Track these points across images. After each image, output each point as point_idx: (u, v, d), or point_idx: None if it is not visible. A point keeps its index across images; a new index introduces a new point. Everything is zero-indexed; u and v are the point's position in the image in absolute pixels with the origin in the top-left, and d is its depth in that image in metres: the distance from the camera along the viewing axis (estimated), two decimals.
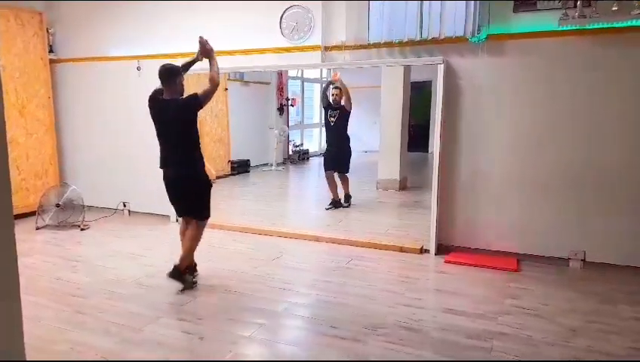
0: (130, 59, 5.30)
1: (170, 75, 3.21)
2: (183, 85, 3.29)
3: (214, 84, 3.23)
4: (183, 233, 3.49)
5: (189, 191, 3.36)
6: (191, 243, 3.39)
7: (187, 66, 3.43)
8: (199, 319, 2.86)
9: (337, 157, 5.86)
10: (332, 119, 5.67)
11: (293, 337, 2.75)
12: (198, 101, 3.21)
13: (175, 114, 3.21)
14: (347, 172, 5.93)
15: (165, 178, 3.36)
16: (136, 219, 5.45)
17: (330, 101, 5.76)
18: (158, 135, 3.31)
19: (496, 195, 3.98)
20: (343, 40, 4.37)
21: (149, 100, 3.30)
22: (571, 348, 2.53)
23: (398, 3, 4.00)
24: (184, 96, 3.27)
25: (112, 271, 3.71)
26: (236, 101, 8.14)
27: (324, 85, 6.06)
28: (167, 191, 3.40)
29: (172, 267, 3.28)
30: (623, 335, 2.69)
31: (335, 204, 5.79)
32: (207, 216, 3.44)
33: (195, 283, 3.40)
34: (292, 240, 4.56)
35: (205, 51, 3.33)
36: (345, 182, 5.94)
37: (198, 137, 3.36)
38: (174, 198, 3.45)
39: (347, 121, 5.81)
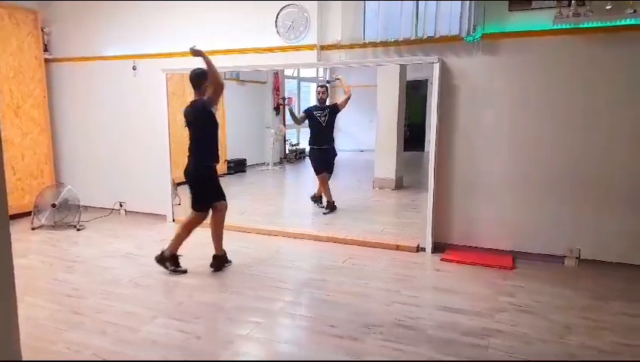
0: (126, 58, 5.29)
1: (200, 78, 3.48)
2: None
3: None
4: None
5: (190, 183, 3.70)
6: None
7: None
8: (196, 318, 2.86)
9: (329, 158, 5.74)
10: (323, 118, 5.55)
11: (289, 336, 2.76)
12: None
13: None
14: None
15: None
16: (133, 219, 5.44)
17: (317, 102, 5.67)
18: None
19: (492, 193, 4.00)
20: (339, 39, 4.38)
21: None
22: (565, 345, 2.55)
23: (393, 2, 4.01)
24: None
25: (109, 271, 3.70)
26: (232, 100, 8.13)
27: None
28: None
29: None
30: (614, 331, 2.72)
31: (332, 207, 5.62)
32: (195, 208, 3.63)
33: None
34: (288, 239, 4.57)
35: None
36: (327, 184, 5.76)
37: (201, 136, 3.59)
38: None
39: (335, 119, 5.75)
